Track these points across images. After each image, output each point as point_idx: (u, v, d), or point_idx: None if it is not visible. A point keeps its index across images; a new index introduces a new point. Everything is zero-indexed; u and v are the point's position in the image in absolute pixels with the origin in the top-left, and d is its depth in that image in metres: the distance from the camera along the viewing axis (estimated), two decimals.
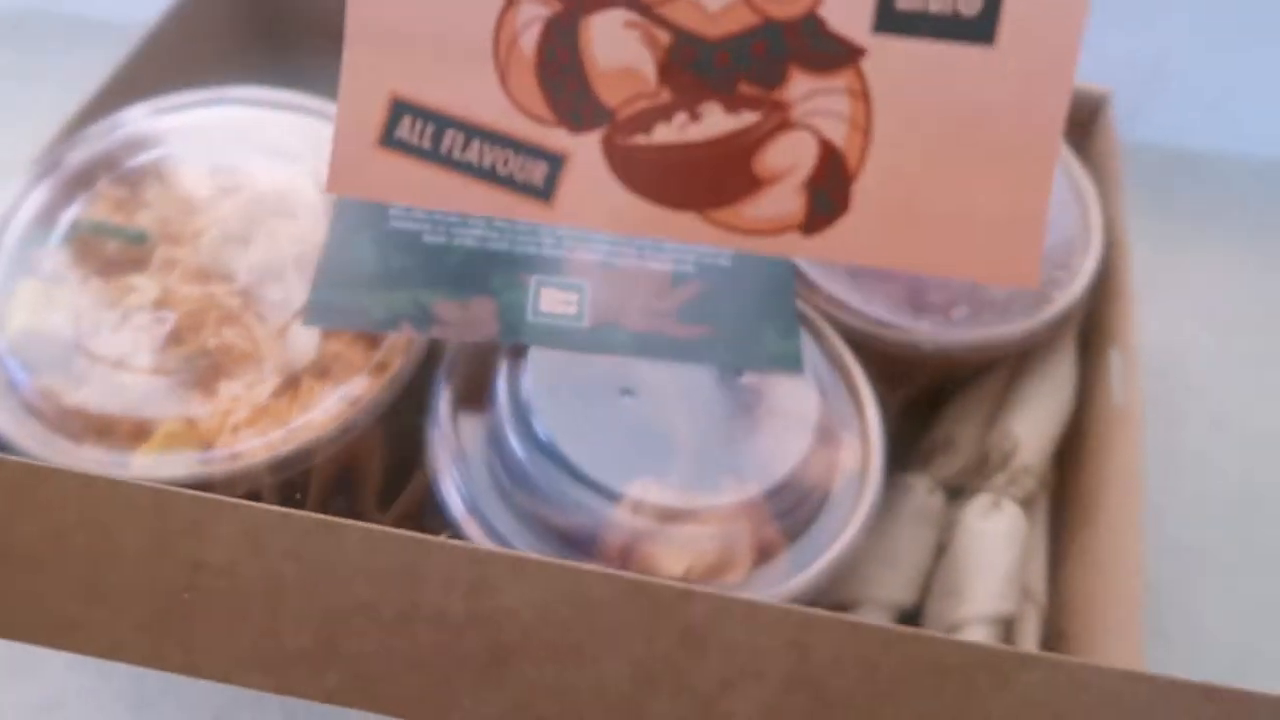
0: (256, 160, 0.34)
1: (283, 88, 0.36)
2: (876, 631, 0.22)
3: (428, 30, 0.25)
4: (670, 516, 0.28)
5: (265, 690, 0.23)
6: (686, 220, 0.26)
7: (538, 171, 0.25)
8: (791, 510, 0.29)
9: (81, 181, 0.33)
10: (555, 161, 0.25)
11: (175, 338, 0.30)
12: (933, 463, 0.35)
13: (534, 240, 0.31)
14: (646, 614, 0.22)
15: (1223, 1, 0.50)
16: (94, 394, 0.29)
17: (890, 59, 0.24)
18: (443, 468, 0.29)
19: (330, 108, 0.34)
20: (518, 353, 0.30)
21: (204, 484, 0.27)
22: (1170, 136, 0.53)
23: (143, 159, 0.34)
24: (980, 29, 0.23)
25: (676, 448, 0.29)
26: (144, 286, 0.31)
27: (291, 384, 0.30)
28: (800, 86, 0.24)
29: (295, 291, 0.31)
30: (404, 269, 0.29)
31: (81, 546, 0.23)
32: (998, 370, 0.37)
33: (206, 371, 0.30)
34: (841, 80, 0.24)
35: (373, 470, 0.30)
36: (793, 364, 0.30)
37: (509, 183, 0.26)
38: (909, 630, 0.23)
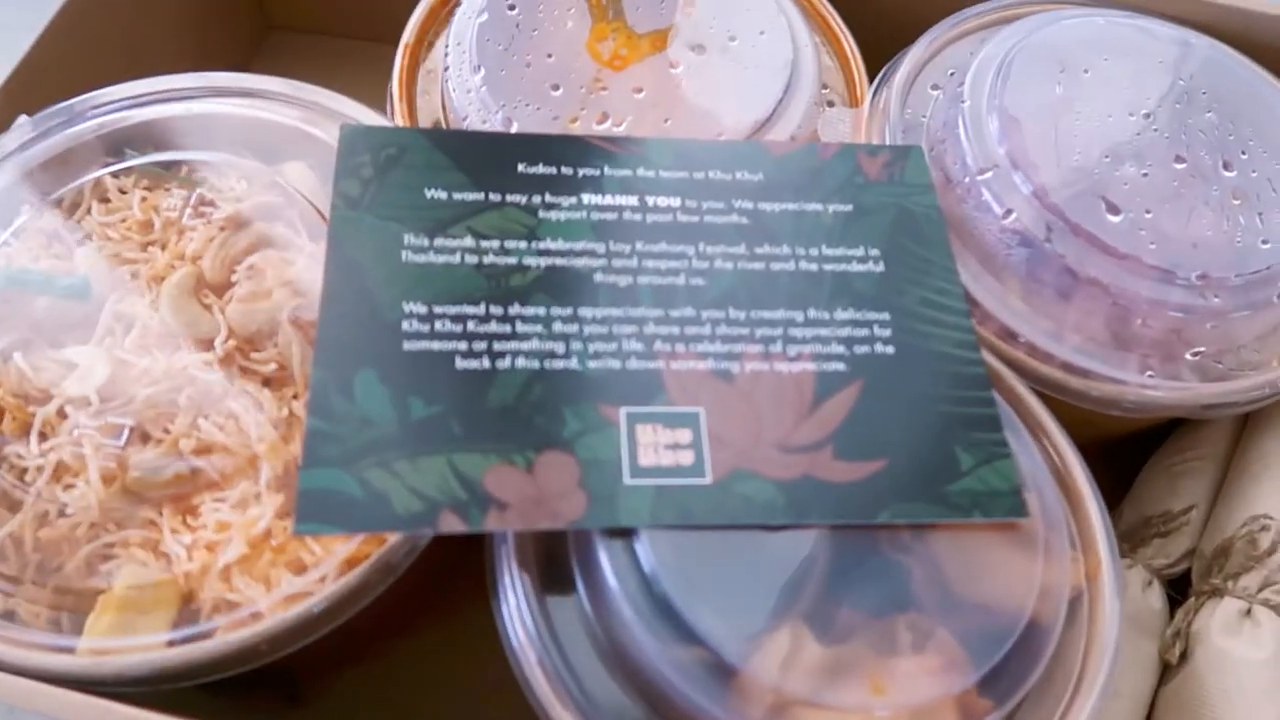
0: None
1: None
2: None
3: None
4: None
5: None
6: None
7: None
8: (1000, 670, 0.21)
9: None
10: None
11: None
12: (1144, 545, 0.27)
13: (613, 349, 0.21)
14: None
15: None
16: None
17: None
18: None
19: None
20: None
21: None
22: None
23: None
24: None
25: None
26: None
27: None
28: None
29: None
30: (433, 419, 0.20)
31: None
32: (1219, 423, 0.28)
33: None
34: None
35: None
36: (1011, 508, 0.21)
37: None
38: None
